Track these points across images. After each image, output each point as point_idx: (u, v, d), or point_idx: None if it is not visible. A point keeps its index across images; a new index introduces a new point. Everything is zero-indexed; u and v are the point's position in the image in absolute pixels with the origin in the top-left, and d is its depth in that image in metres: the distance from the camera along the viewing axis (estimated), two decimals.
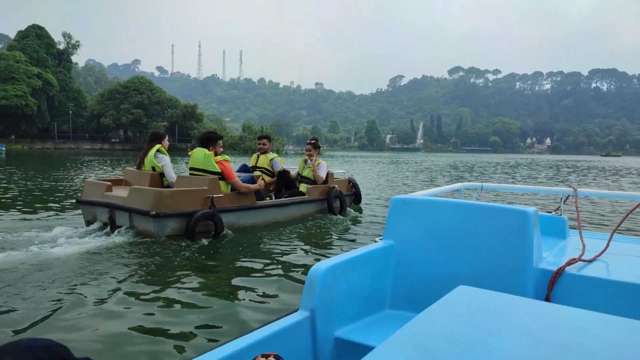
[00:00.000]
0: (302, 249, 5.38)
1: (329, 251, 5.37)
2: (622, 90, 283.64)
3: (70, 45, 70.89)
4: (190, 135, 67.55)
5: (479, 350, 0.87)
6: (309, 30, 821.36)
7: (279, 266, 4.61)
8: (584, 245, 2.12)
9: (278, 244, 5.58)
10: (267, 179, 7.47)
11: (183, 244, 5.17)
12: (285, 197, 7.02)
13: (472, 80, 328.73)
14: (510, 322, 1.03)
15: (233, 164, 6.82)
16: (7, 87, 54.54)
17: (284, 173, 7.46)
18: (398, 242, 2.06)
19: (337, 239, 6.08)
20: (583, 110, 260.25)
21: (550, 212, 2.84)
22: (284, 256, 5.02)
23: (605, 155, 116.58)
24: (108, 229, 5.59)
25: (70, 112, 64.81)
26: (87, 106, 68.48)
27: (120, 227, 5.46)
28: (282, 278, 4.17)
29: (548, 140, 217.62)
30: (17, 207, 8.16)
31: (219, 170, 5.80)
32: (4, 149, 47.52)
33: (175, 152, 56.12)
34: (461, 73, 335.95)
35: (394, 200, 2.14)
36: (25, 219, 6.95)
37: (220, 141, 6.09)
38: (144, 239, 5.23)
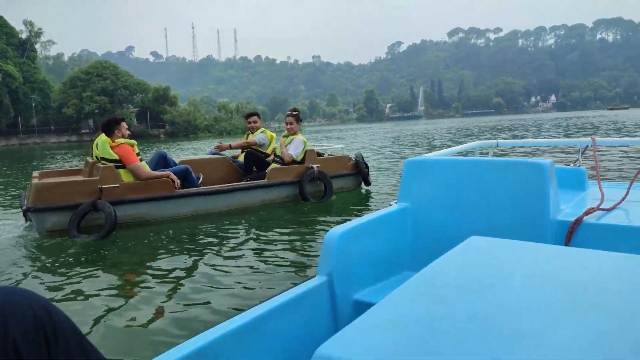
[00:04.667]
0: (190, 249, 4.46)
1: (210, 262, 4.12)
2: (628, 39, 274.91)
3: (32, 34, 67.35)
4: (164, 120, 64.12)
5: (491, 293, 0.87)
6: (303, 0, 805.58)
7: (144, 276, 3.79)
8: (602, 195, 2.13)
9: (172, 242, 4.78)
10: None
11: (65, 241, 4.85)
12: (246, 181, 6.26)
13: (472, 41, 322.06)
14: (523, 266, 1.02)
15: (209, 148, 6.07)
16: None
17: (252, 152, 6.63)
18: (414, 204, 2.06)
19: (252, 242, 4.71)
20: (589, 64, 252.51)
21: (568, 165, 2.86)
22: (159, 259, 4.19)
23: (611, 109, 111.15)
24: (27, 223, 5.58)
25: (34, 104, 61.57)
26: (55, 98, 65.35)
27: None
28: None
29: (553, 98, 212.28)
30: None
31: (117, 157, 5.33)
32: None
33: (150, 139, 53.28)
34: (461, 34, 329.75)
35: (408, 162, 2.13)
36: None
37: (124, 123, 5.58)
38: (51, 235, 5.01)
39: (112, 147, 5.37)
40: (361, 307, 1.53)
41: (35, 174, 5.74)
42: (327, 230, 4.91)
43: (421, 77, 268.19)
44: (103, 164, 5.34)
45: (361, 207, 6.23)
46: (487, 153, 3.60)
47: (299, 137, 6.56)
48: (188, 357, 1.00)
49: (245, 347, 1.18)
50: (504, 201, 1.87)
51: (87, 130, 62.77)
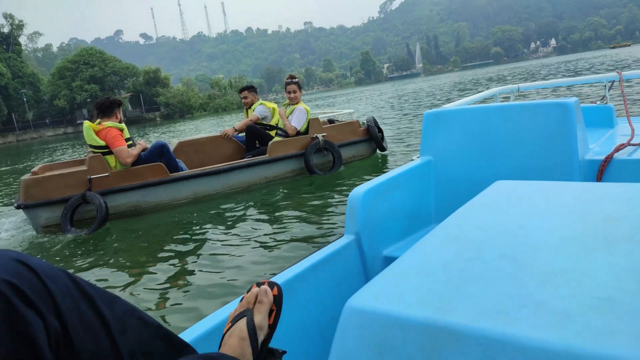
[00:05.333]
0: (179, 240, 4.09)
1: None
2: None
3: (14, 27, 65.81)
4: (158, 103, 63.11)
5: (520, 233, 0.86)
6: None
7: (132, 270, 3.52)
8: (632, 130, 2.08)
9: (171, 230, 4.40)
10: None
11: (60, 236, 4.68)
12: (248, 158, 5.82)
13: None
14: (553, 205, 1.00)
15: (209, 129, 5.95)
16: None
17: (251, 126, 6.09)
18: (436, 157, 2.02)
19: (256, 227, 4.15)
20: (587, 3, 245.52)
21: (595, 103, 2.78)
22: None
23: (613, 47, 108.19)
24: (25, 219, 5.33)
25: (25, 99, 60.72)
26: (45, 90, 64.36)
27: None
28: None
29: (553, 42, 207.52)
30: None
31: (103, 143, 4.99)
32: None
33: (146, 124, 52.57)
34: None
35: (427, 114, 2.08)
36: None
37: (120, 107, 5.23)
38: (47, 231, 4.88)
39: (97, 133, 5.04)
40: (390, 262, 1.53)
41: (36, 168, 5.44)
42: (335, 202, 4.33)
43: (416, 34, 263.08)
44: (93, 152, 5.09)
45: (372, 175, 5.58)
46: (508, 99, 3.39)
47: (301, 106, 5.96)
48: (208, 333, 0.99)
49: None
50: (529, 145, 1.81)
51: (82, 120, 61.89)
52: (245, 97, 6.56)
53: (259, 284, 0.82)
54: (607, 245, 0.75)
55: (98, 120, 5.07)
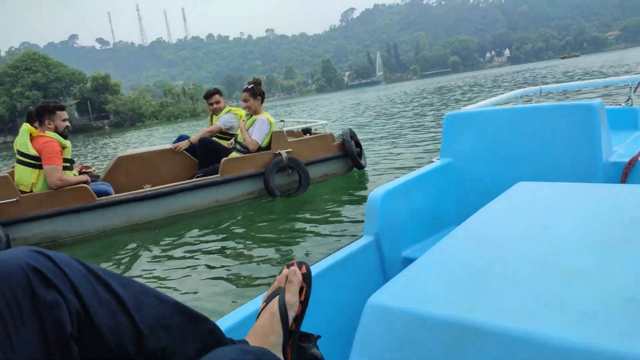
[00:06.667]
0: None
1: None
2: None
3: None
4: (107, 110, 60.69)
5: (542, 234, 0.85)
6: None
7: None
8: None
9: None
10: (225, 144, 5.40)
11: None
12: (198, 177, 4.94)
13: (424, 2, 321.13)
14: (576, 206, 1.00)
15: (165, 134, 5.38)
16: None
17: (206, 139, 5.30)
18: (456, 159, 2.01)
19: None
20: (539, 15, 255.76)
21: (620, 105, 2.79)
22: None
23: (563, 57, 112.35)
24: None
25: None
26: None
27: None
28: None
29: (507, 52, 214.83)
30: None
31: (35, 154, 4.19)
32: None
33: (94, 132, 50.11)
34: None
35: (448, 116, 2.07)
36: None
37: (62, 112, 4.48)
38: None
39: (32, 139, 4.26)
40: (409, 264, 1.58)
41: None
42: (297, 230, 3.80)
43: (377, 42, 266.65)
44: (19, 161, 4.36)
45: (347, 196, 4.84)
46: (530, 101, 3.39)
47: (263, 117, 5.08)
48: (243, 320, 1.00)
49: None
50: (551, 148, 1.79)
51: None
52: (217, 102, 5.58)
53: (288, 265, 0.88)
54: (630, 246, 0.75)
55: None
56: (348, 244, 1.50)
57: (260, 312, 0.83)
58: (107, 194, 4.60)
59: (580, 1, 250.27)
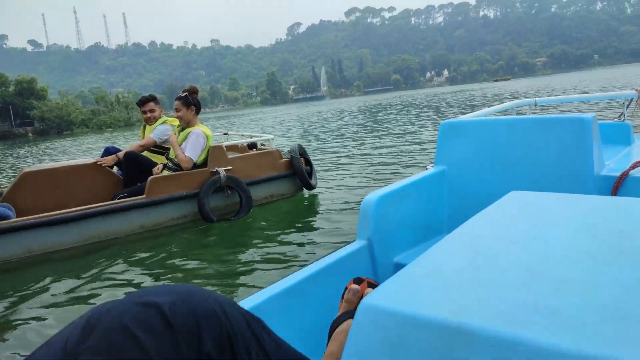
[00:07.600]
0: None
1: None
2: (507, 15, 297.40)
3: None
4: (31, 116, 57.07)
5: (534, 243, 0.87)
6: None
7: None
8: None
9: None
10: (161, 159, 4.75)
11: None
12: (122, 198, 4.31)
13: (369, 20, 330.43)
14: (567, 217, 1.01)
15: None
16: None
17: (131, 154, 4.60)
18: (450, 167, 2.04)
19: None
20: (475, 39, 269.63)
21: (612, 120, 2.83)
22: None
23: (496, 80, 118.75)
24: None
25: None
26: None
27: None
28: None
29: (446, 72, 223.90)
30: None
31: None
32: None
33: (15, 140, 46.64)
34: (358, 14, 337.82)
35: (443, 124, 2.10)
36: None
37: None
38: None
39: None
40: (400, 269, 1.53)
41: None
42: (238, 259, 3.49)
43: (322, 57, 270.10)
44: None
45: (294, 219, 4.42)
46: (524, 113, 3.51)
47: (198, 129, 4.49)
48: None
49: (288, 309, 1.20)
50: (544, 159, 1.82)
51: None
52: (152, 111, 4.94)
53: (356, 281, 0.90)
54: (618, 257, 0.77)
55: None
56: (340, 248, 1.51)
57: (335, 327, 0.85)
58: (5, 217, 3.88)
59: (512, 28, 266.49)
